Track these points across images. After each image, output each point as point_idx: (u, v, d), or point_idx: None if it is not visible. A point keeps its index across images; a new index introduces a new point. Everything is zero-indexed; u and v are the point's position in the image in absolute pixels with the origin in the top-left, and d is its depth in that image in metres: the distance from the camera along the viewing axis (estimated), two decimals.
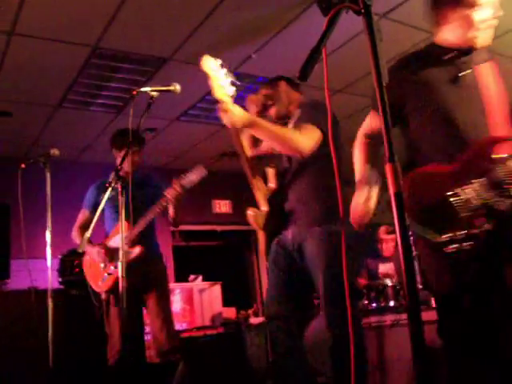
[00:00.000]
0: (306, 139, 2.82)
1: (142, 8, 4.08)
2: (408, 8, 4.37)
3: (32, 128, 6.09)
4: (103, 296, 3.90)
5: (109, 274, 3.86)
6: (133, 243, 3.78)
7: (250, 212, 3.31)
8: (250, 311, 7.72)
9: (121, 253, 3.02)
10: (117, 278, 3.34)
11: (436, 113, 2.01)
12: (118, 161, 3.72)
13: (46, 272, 3.73)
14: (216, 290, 7.23)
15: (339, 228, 2.78)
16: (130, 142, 3.42)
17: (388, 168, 1.14)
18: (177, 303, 6.88)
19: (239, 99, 5.83)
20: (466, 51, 2.07)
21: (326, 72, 1.21)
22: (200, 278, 7.37)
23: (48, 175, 3.79)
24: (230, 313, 7.31)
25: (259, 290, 8.59)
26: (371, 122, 2.31)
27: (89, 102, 5.60)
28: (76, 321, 4.56)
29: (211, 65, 2.82)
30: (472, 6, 1.99)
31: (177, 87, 3.01)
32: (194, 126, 6.52)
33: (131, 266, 3.31)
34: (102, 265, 3.91)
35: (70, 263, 4.91)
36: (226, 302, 7.36)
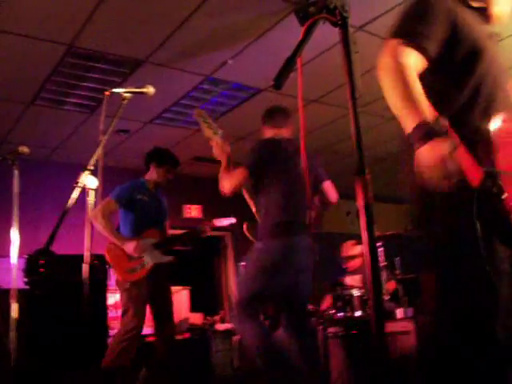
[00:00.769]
0: (228, 180, 3.57)
1: (119, 9, 4.06)
2: (384, 21, 4.43)
3: (2, 125, 5.99)
4: (126, 285, 4.21)
5: (142, 267, 4.26)
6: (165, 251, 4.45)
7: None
8: (217, 317, 7.70)
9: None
10: (147, 271, 4.23)
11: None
12: (152, 175, 4.59)
13: (10, 271, 3.67)
14: (184, 295, 7.18)
15: (264, 245, 3.47)
16: (175, 162, 4.68)
17: (358, 181, 1.14)
18: None
19: (214, 104, 5.89)
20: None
21: (300, 81, 1.21)
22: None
23: (16, 173, 3.73)
24: (197, 318, 7.27)
25: (227, 296, 8.56)
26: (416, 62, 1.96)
27: (62, 100, 5.53)
28: (41, 322, 4.48)
29: (202, 114, 3.59)
30: None
31: (150, 89, 3.00)
32: (167, 130, 6.50)
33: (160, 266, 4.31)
34: (134, 258, 4.27)
35: (36, 263, 4.83)
36: (194, 308, 7.32)
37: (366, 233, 1.08)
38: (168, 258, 4.40)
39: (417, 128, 1.71)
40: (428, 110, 1.75)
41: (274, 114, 3.87)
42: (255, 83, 5.39)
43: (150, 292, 4.26)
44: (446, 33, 1.89)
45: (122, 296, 4.27)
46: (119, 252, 4.31)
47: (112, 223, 4.37)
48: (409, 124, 1.73)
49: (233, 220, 4.79)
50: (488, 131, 1.73)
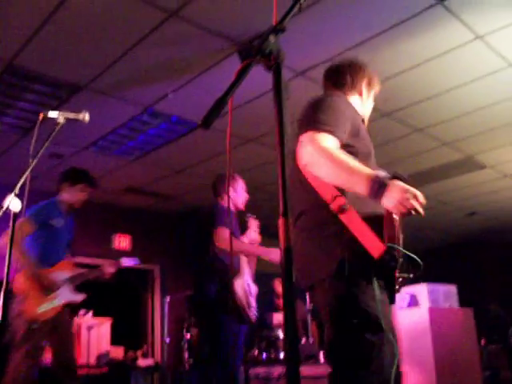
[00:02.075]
0: None
1: (64, 31, 4.01)
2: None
3: None
4: (34, 325, 3.83)
5: (53, 305, 3.94)
6: (77, 288, 4.16)
7: None
8: (139, 352, 7.52)
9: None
10: (57, 311, 3.93)
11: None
12: (65, 195, 4.21)
13: None
14: (105, 327, 6.99)
15: None
16: (90, 180, 4.30)
17: (281, 222, 1.16)
18: None
19: (151, 136, 5.86)
20: None
21: (230, 122, 1.23)
22: (90, 313, 7.11)
23: None
24: (118, 352, 7.08)
25: (151, 331, 8.38)
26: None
27: None
28: None
29: None
30: None
31: (85, 117, 2.94)
32: (101, 158, 6.40)
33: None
34: (48, 293, 3.95)
35: None
36: (116, 341, 7.13)
37: (285, 276, 1.08)
38: (81, 297, 4.18)
39: (373, 182, 1.93)
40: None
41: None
42: (194, 118, 5.41)
43: (53, 328, 3.95)
44: (349, 126, 2.24)
45: (17, 331, 3.80)
46: (34, 284, 3.91)
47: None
48: (363, 185, 1.94)
49: (137, 261, 4.67)
50: (381, 207, 1.99)
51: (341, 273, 2.04)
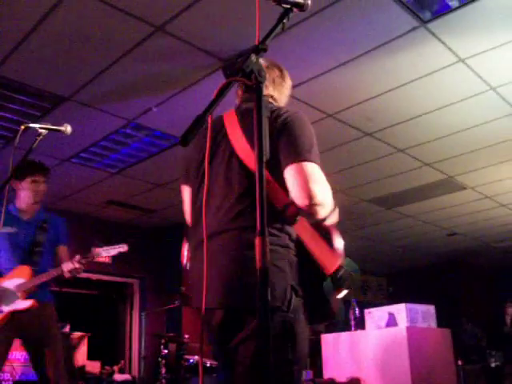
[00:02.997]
0: None
1: (49, 43, 4.00)
2: (308, 87, 4.60)
3: None
4: None
5: None
6: (28, 295, 3.74)
7: None
8: (116, 367, 7.43)
9: None
10: (3, 319, 3.66)
11: None
12: (17, 197, 3.91)
13: None
14: (82, 342, 6.91)
15: None
16: (35, 167, 3.86)
17: (258, 241, 1.15)
18: None
19: (134, 149, 5.85)
20: None
21: (208, 138, 1.23)
22: (68, 326, 7.02)
23: None
24: (95, 367, 6.99)
25: (129, 345, 8.31)
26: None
27: None
28: None
29: None
30: None
31: (67, 129, 2.93)
32: (83, 170, 6.36)
33: (25, 316, 3.69)
34: None
35: None
36: (92, 355, 7.04)
37: (260, 299, 1.08)
38: (25, 304, 3.73)
39: None
40: None
41: None
42: (177, 133, 5.41)
43: (20, 335, 3.79)
44: None
45: None
46: None
47: None
48: None
49: (123, 248, 3.99)
50: None
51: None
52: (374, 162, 6.24)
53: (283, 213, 1.90)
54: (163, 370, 6.48)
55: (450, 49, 4.19)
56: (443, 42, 4.11)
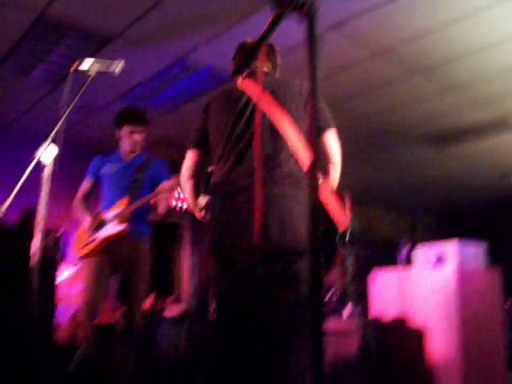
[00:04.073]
0: None
1: None
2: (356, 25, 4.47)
3: None
4: (81, 261, 4.08)
5: (92, 241, 3.95)
6: (123, 220, 3.92)
7: None
8: (168, 300, 7.60)
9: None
10: (95, 247, 3.90)
11: None
12: (120, 141, 4.18)
13: None
14: None
15: None
16: (134, 117, 4.10)
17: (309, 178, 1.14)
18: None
19: (185, 87, 5.83)
20: None
21: (260, 68, 1.20)
22: None
23: None
24: (147, 301, 7.18)
25: (178, 281, 8.53)
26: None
27: (27, 70, 5.42)
28: None
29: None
30: None
31: (119, 67, 2.94)
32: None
33: (117, 242, 3.89)
34: (92, 233, 4.01)
35: None
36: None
37: (311, 231, 1.08)
38: (117, 229, 3.91)
39: None
40: None
41: None
42: (226, 70, 5.34)
43: (115, 268, 3.96)
44: None
45: None
46: (83, 228, 4.12)
47: (87, 203, 4.22)
48: None
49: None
50: None
51: None
52: (425, 102, 6.03)
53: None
54: (212, 308, 6.64)
55: None
56: None
